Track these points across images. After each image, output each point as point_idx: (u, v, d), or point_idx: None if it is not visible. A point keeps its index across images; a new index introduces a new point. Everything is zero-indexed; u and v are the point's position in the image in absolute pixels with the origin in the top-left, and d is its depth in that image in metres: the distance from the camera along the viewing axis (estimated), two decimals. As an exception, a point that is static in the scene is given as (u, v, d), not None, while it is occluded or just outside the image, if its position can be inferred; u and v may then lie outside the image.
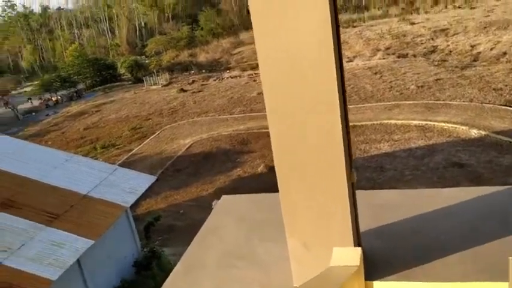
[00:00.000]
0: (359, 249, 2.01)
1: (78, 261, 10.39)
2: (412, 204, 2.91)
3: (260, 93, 34.04)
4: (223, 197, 3.47)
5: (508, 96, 24.19)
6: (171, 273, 2.79)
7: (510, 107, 22.50)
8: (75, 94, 51.06)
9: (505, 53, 34.28)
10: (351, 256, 1.96)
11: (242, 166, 21.79)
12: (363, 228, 2.61)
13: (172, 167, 23.82)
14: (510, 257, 1.79)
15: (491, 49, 36.12)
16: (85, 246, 10.12)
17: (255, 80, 39.74)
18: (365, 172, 18.55)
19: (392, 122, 23.29)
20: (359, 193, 3.10)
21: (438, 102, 25.14)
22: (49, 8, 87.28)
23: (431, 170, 17.80)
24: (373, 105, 26.72)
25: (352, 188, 2.26)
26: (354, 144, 21.79)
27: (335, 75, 1.91)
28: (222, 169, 22.07)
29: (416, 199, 3.00)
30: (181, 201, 19.49)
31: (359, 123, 23.66)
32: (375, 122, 23.57)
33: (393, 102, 26.41)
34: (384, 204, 2.97)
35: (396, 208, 2.85)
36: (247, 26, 66.29)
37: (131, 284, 12.22)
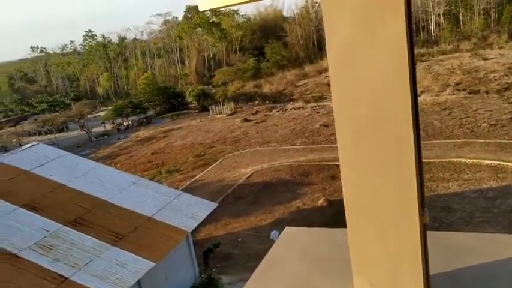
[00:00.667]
0: (428, 292, 1.95)
1: (139, 281, 10.69)
2: (487, 249, 2.76)
3: (322, 125, 33.92)
4: (287, 228, 3.48)
5: None
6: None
7: None
8: (145, 120, 53.58)
9: None
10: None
11: (302, 198, 21.61)
12: (433, 271, 2.51)
13: (232, 194, 24.11)
14: None
15: None
16: (146, 268, 10.41)
17: (318, 112, 39.71)
18: (431, 211, 17.67)
19: (462, 160, 22.24)
20: (430, 234, 3.01)
21: (513, 141, 23.76)
22: (125, 39, 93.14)
23: (504, 213, 16.69)
24: (441, 142, 25.72)
25: (424, 228, 2.20)
26: (420, 181, 20.96)
27: (410, 115, 1.90)
28: (281, 200, 22.01)
29: (492, 244, 2.84)
30: (240, 230, 19.59)
31: (426, 160, 22.75)
32: (443, 160, 22.61)
33: (463, 140, 25.27)
34: (457, 247, 2.84)
35: (470, 252, 2.71)
36: (312, 59, 66.92)
37: (188, 308, 12.34)
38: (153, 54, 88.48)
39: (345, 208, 2.15)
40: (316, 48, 74.18)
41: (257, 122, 41.71)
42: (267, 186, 24.36)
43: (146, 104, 57.74)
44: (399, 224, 1.96)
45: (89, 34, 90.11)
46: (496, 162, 21.24)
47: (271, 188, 23.87)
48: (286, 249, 3.26)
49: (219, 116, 48.85)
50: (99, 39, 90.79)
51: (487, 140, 24.54)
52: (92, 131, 49.62)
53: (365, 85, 1.92)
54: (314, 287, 2.67)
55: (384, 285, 2.02)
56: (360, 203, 2.05)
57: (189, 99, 59.06)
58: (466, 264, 2.63)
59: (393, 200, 1.95)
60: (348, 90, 1.95)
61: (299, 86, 56.82)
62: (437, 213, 17.57)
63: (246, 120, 43.43)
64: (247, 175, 26.48)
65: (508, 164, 20.87)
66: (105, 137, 48.62)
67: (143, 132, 47.14)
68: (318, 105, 42.82)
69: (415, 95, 2.10)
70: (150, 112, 56.65)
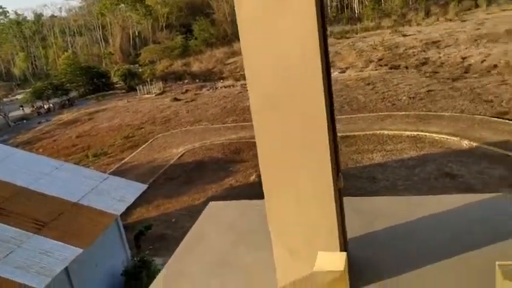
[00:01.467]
0: (344, 254, 1.98)
1: (66, 269, 10.26)
2: (401, 211, 2.89)
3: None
4: (211, 203, 3.44)
5: (498, 108, 24.41)
6: (154, 281, 2.74)
7: (500, 118, 22.68)
8: (67, 102, 50.82)
9: (495, 66, 34.66)
10: (335, 261, 1.93)
11: (234, 175, 21.72)
12: (351, 234, 2.58)
13: (164, 175, 23.70)
14: (497, 262, 1.77)
15: (482, 61, 36.51)
16: (73, 255, 9.99)
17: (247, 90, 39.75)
18: (357, 182, 18.55)
19: (385, 132, 23.38)
20: (348, 200, 3.08)
21: (430, 113, 25.30)
22: (42, 16, 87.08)
23: (423, 181, 17.85)
24: (365, 115, 26.83)
25: (339, 193, 2.24)
26: (346, 154, 21.82)
27: (321, 85, 1.90)
28: (214, 178, 21.98)
29: (405, 206, 2.98)
30: (173, 210, 19.36)
31: (351, 134, 23.71)
32: (368, 133, 23.64)
33: (386, 113, 26.54)
34: (373, 211, 2.95)
35: (385, 215, 2.82)
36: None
37: (120, 293, 12.08)
38: (74, 32, 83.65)
39: (262, 179, 2.14)
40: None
41: (187, 101, 41.06)
42: (199, 165, 24.19)
43: (68, 85, 54.66)
44: (314, 191, 1.97)
45: (0, 11, 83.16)
46: (416, 133, 22.56)
47: (203, 167, 23.74)
48: (210, 224, 3.22)
49: (147, 95, 47.47)
50: (12, 16, 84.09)
51: (407, 112, 25.96)
52: (10, 115, 46.30)
53: (275, 56, 1.88)
54: (237, 258, 2.66)
55: (302, 249, 2.04)
56: (276, 174, 2.03)
57: (115, 79, 56.73)
58: (382, 226, 2.73)
59: (307, 167, 1.95)
60: (259, 63, 1.91)
61: (228, 64, 56.46)
62: (363, 183, 18.42)
63: (176, 99, 42.60)
64: (179, 155, 26.12)
65: (426, 134, 22.25)
66: (25, 121, 45.57)
67: (66, 115, 44.77)
68: (248, 83, 42.78)
69: (327, 68, 2.10)
70: (73, 94, 53.78)
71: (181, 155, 26.06)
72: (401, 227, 2.70)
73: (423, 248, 2.39)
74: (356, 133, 23.70)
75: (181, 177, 23.05)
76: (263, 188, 2.07)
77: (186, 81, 52.53)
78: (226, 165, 23.17)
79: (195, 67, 57.72)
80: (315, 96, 1.88)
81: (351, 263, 2.29)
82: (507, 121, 22.13)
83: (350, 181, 18.82)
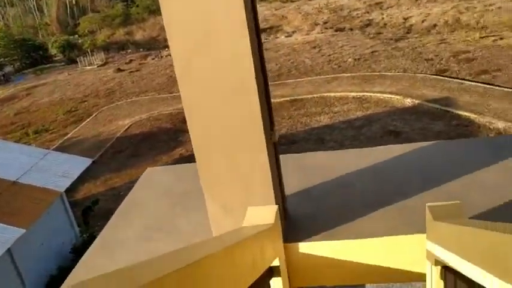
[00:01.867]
0: (275, 207, 1.90)
1: (9, 250, 9.79)
2: (340, 164, 2.85)
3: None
4: (148, 169, 3.27)
5: (438, 66, 25.26)
6: (88, 249, 2.58)
7: (440, 76, 23.51)
8: (2, 78, 47.77)
9: (435, 25, 35.67)
10: (266, 214, 1.84)
11: (184, 145, 21.41)
12: (290, 190, 2.52)
13: (111, 149, 23.01)
14: (427, 204, 1.76)
15: (423, 21, 37.44)
16: (15, 236, 9.53)
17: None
18: (306, 144, 18.81)
19: (332, 94, 23.69)
20: (288, 157, 3.01)
21: (374, 73, 25.83)
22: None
23: (369, 139, 18.34)
24: (312, 78, 27.01)
25: (275, 148, 2.14)
26: (295, 117, 22.01)
27: (247, 32, 1.75)
28: (164, 149, 21.60)
29: (344, 159, 2.95)
30: (121, 184, 18.90)
31: (299, 97, 23.87)
32: (315, 95, 23.87)
33: (332, 75, 26.84)
34: (313, 166, 2.90)
35: (324, 169, 2.78)
36: (184, 2, 64.31)
37: (69, 271, 11.73)
38: (4, 3, 77.98)
39: (191, 137, 2.00)
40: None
41: (132, 72, 39.70)
42: (147, 136, 23.65)
43: (2, 59, 51.29)
44: (246, 146, 1.86)
45: None
46: (361, 94, 23.01)
47: (152, 138, 23.24)
48: (146, 190, 3.06)
49: (89, 67, 45.41)
50: None
51: (353, 74, 26.37)
52: None
53: (198, 11, 1.72)
54: (172, 222, 2.54)
55: (236, 206, 1.94)
56: (204, 128, 1.90)
57: (53, 51, 53.76)
58: (322, 179, 2.69)
59: (238, 122, 1.83)
60: (180, 17, 1.75)
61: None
62: (312, 145, 18.69)
63: (120, 70, 41.05)
64: (126, 127, 25.38)
65: (371, 94, 22.74)
66: (-45, 100, 42.58)
67: (2, 92, 42.17)
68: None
69: (257, 30, 1.96)
70: (8, 69, 50.53)
71: (128, 127, 25.34)
72: (341, 180, 2.66)
73: (361, 197, 2.36)
74: (304, 96, 23.87)
75: (129, 150, 22.48)
76: (192, 146, 1.93)
77: (129, 50, 50.65)
78: (176, 135, 22.78)
79: (139, 36, 55.64)
80: (240, 46, 1.74)
81: (288, 217, 2.22)
82: (446, 78, 22.98)
83: (299, 143, 19.07)
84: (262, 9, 55.92)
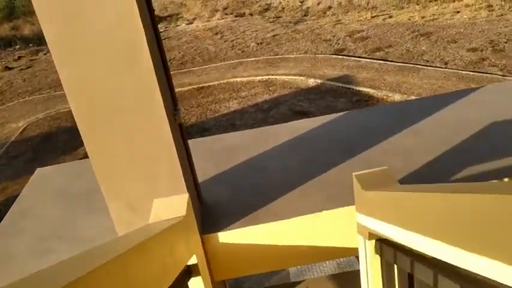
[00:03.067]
0: (185, 196, 1.68)
1: None
2: (254, 144, 2.70)
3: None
4: (38, 169, 2.86)
5: (336, 46, 26.33)
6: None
7: (339, 55, 24.53)
8: None
9: (330, 7, 37.11)
10: (175, 206, 1.62)
11: (88, 143, 20.17)
12: (204, 176, 2.30)
13: (6, 154, 21.02)
14: (353, 173, 1.65)
15: (318, 4, 38.74)
16: None
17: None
18: (218, 131, 18.64)
19: (238, 80, 23.69)
20: (198, 141, 2.78)
21: (277, 57, 26.26)
22: None
23: (278, 121, 18.63)
24: (217, 65, 26.81)
25: (181, 130, 1.91)
26: (204, 105, 21.70)
27: (136, 11, 1.48)
28: (66, 149, 20.18)
29: (258, 138, 2.81)
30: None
31: (206, 84, 23.57)
32: (222, 82, 23.72)
33: (236, 61, 26.83)
34: (226, 147, 2.71)
35: (238, 150, 2.61)
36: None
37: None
38: None
39: (78, 126, 1.70)
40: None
41: (22, 69, 36.53)
42: (46, 137, 21.94)
43: None
44: (146, 128, 1.61)
45: None
46: (266, 77, 23.29)
47: (51, 139, 21.61)
48: (37, 193, 2.66)
49: (-30, 67, 40.96)
50: None
51: (257, 58, 26.59)
52: None
53: None
54: (72, 227, 2.21)
55: (143, 202, 1.69)
56: (93, 114, 1.62)
57: None
58: (237, 161, 2.52)
59: (133, 100, 1.57)
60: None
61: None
62: (224, 131, 18.56)
63: (8, 68, 37.55)
64: (20, 130, 23.32)
65: (276, 77, 23.10)
66: None
67: None
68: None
69: (151, 16, 1.70)
70: None
71: (24, 129, 23.30)
72: (257, 160, 2.50)
73: (279, 177, 2.22)
74: (211, 83, 23.61)
75: (27, 154, 20.69)
76: (81, 134, 1.64)
77: (17, 46, 46.48)
78: (77, 133, 21.26)
79: (27, 30, 51.21)
80: (132, 25, 1.47)
81: (204, 206, 2.01)
82: (344, 57, 24.04)
83: (211, 131, 18.87)
84: (160, -3, 54.29)
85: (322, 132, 2.71)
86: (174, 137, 1.66)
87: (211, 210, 1.96)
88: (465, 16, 27.06)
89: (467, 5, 29.29)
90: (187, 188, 1.72)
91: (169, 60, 29.87)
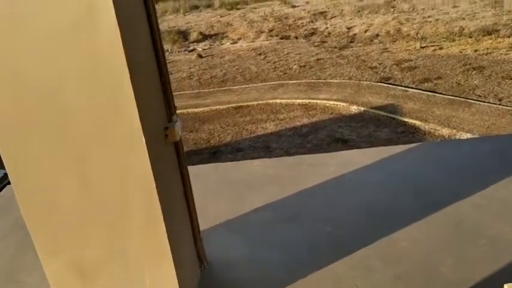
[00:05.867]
0: (172, 277, 1.00)
1: None
2: (289, 176, 2.04)
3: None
4: None
5: (382, 73, 25.45)
6: None
7: (384, 83, 23.64)
8: None
9: (377, 35, 36.36)
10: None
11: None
12: (215, 219, 1.63)
13: None
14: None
15: (365, 31, 38.11)
16: None
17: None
18: (252, 152, 18.05)
19: (278, 101, 23.18)
20: (218, 167, 2.11)
21: (320, 81, 25.63)
22: None
23: (315, 147, 17.86)
24: (258, 85, 26.44)
25: (177, 152, 1.25)
26: (241, 125, 21.22)
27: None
28: None
29: (294, 169, 2.15)
30: None
31: (245, 104, 23.15)
32: (260, 102, 23.26)
33: (277, 82, 26.39)
34: (251, 178, 2.06)
35: (267, 183, 1.95)
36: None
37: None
38: None
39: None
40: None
41: None
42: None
43: None
44: (109, 155, 0.99)
45: None
46: (307, 101, 22.65)
47: None
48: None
49: None
50: None
51: (298, 81, 26.05)
52: None
53: None
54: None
55: (99, 271, 1.05)
56: (26, 129, 1.01)
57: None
58: (263, 200, 1.85)
59: (91, 113, 0.96)
60: None
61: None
62: (259, 153, 17.96)
63: None
64: None
65: (317, 101, 22.43)
66: None
67: None
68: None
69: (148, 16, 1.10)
70: None
71: None
72: (290, 202, 1.80)
73: (324, 232, 1.51)
74: (249, 103, 23.19)
75: None
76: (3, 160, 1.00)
77: None
78: None
79: None
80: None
81: (206, 269, 1.32)
82: (390, 85, 23.12)
83: (245, 152, 18.30)
84: (207, 16, 55.18)
85: (382, 167, 1.99)
86: (157, 169, 1.00)
87: (217, 276, 1.28)
88: (522, 52, 25.66)
89: (524, 41, 27.87)
90: (177, 253, 1.04)
91: (211, 78, 29.80)
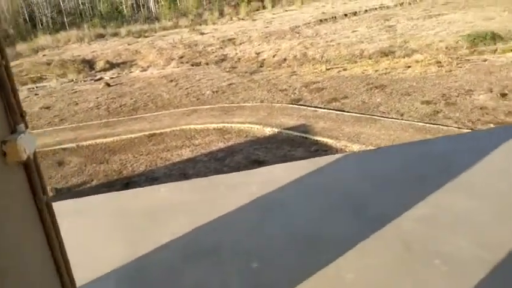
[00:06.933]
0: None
1: None
2: (204, 200, 1.71)
3: (42, 107, 29.93)
4: None
5: (292, 95, 26.14)
6: None
7: (295, 104, 24.25)
8: None
9: (285, 59, 37.62)
10: None
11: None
12: (105, 267, 1.25)
13: None
14: None
15: (274, 56, 39.25)
16: None
17: (36, 94, 34.99)
18: (169, 181, 17.34)
19: (192, 127, 22.77)
20: (115, 196, 1.72)
21: (233, 105, 25.68)
22: None
23: (233, 170, 17.61)
24: (171, 112, 25.86)
25: (27, 175, 0.88)
26: (155, 153, 20.44)
27: None
28: None
29: (209, 191, 1.84)
30: None
31: (158, 131, 22.43)
32: (175, 129, 22.69)
33: (191, 108, 26.01)
34: (156, 207, 1.70)
35: (178, 211, 1.61)
36: (24, 36, 58.90)
37: None
38: None
39: None
40: (29, 24, 66.58)
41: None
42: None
43: None
44: None
45: None
46: (222, 125, 22.49)
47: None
48: None
49: None
50: None
51: (212, 106, 25.88)
52: None
53: None
54: None
55: None
56: None
57: None
58: (173, 233, 1.49)
59: None
60: None
61: (13, 66, 49.23)
62: (175, 180, 17.30)
63: None
64: None
65: (231, 125, 22.35)
66: None
67: None
68: (37, 87, 37.92)
69: None
70: None
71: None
72: (207, 230, 1.46)
73: (251, 270, 1.19)
74: (163, 130, 22.52)
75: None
76: None
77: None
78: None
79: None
80: None
81: None
82: (301, 106, 23.75)
83: (160, 180, 17.60)
84: (114, 44, 53.59)
85: (309, 182, 1.72)
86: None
87: None
88: (416, 71, 27.81)
89: (417, 61, 30.28)
90: None
91: (120, 106, 28.62)
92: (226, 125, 22.43)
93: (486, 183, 1.54)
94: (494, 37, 33.26)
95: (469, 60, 28.74)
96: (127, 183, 17.76)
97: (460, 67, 27.15)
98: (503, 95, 21.45)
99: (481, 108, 20.32)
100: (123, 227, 1.43)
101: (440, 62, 28.78)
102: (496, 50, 30.77)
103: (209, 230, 1.37)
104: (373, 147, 17.41)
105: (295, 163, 1.89)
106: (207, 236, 1.33)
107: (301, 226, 1.33)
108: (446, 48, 33.57)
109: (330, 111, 22.49)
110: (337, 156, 1.94)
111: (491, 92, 21.80)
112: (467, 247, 1.18)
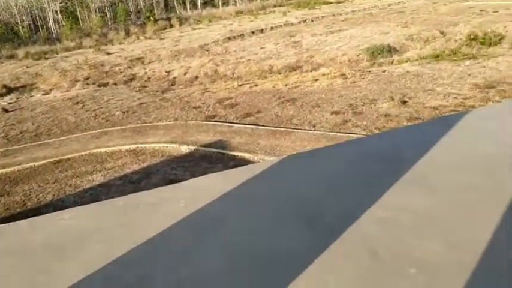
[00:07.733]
0: None
1: None
2: (115, 226, 1.41)
3: None
4: None
5: (206, 112, 25.92)
6: None
7: (210, 121, 24.04)
8: None
9: (196, 77, 37.45)
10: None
11: None
12: None
13: None
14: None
15: (185, 73, 38.90)
16: None
17: None
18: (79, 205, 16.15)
19: (103, 150, 21.58)
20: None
21: (146, 124, 24.85)
22: None
23: (151, 193, 16.90)
24: (78, 135, 24.35)
25: None
26: (62, 180, 19.02)
27: None
28: None
29: (122, 213, 1.53)
30: None
31: (65, 157, 20.95)
32: (83, 153, 21.34)
33: (100, 130, 24.71)
34: (59, 239, 1.36)
35: (89, 242, 1.29)
36: None
37: None
38: None
39: None
40: None
41: None
42: None
43: None
44: None
45: None
46: (135, 146, 21.59)
47: None
48: None
49: None
50: None
51: (123, 127, 24.81)
52: None
53: None
54: None
55: None
56: None
57: None
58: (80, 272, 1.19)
59: None
60: None
61: None
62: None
63: None
64: None
65: (145, 145, 21.54)
66: None
67: None
68: None
69: None
70: None
71: None
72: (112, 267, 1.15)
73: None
74: (70, 155, 21.07)
75: None
76: None
77: None
78: None
79: None
80: None
81: None
82: (216, 123, 23.59)
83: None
84: (11, 67, 49.82)
85: (248, 191, 1.49)
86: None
87: None
88: (323, 83, 28.99)
89: (323, 74, 31.63)
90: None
91: (21, 133, 26.44)
92: (140, 145, 21.57)
93: (440, 178, 1.43)
94: (391, 50, 35.91)
95: (370, 71, 30.60)
96: (33, 215, 16.26)
97: (363, 78, 28.78)
98: (404, 102, 23.01)
99: (385, 116, 21.58)
100: (21, 267, 1.09)
101: (344, 74, 30.31)
102: (393, 61, 33.15)
103: (131, 262, 1.08)
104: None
105: (229, 171, 1.64)
106: (128, 270, 1.04)
107: (245, 244, 1.09)
108: (349, 61, 35.55)
109: (245, 125, 22.58)
110: (275, 160, 1.73)
111: (393, 100, 23.28)
112: (440, 250, 1.02)
